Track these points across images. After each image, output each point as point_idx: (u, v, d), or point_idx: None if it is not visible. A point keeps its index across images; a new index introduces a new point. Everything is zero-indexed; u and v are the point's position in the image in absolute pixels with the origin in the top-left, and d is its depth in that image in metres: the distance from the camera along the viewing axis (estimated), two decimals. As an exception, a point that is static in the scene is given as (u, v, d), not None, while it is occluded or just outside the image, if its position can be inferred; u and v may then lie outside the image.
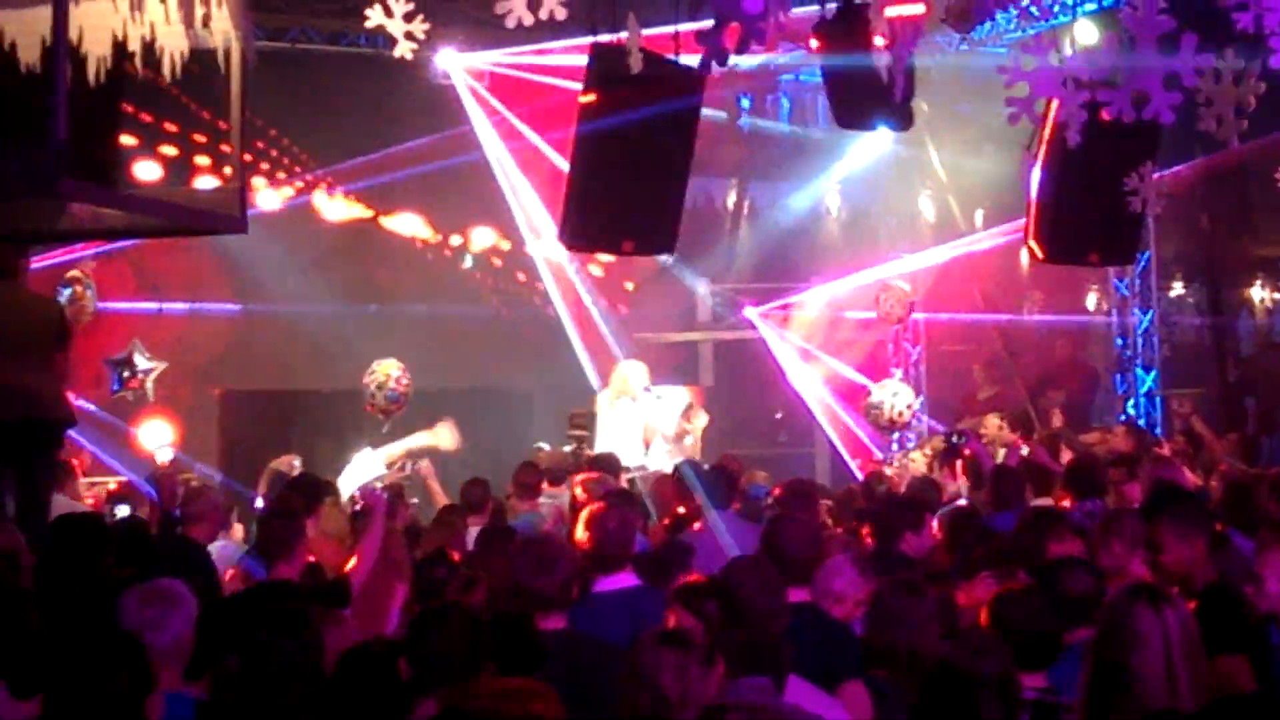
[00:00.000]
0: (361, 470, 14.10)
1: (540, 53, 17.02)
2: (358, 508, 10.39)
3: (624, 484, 12.51)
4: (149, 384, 15.84)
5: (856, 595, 7.05)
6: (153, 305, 17.11)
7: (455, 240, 19.16)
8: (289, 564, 8.06)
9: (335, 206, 18.55)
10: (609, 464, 12.62)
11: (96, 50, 7.64)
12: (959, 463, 12.81)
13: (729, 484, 10.35)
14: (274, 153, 17.85)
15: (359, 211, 18.64)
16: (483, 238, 19.14)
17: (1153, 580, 6.89)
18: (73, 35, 7.25)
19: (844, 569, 7.26)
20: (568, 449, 15.04)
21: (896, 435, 18.44)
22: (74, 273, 15.66)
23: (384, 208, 18.73)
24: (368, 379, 15.74)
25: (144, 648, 5.12)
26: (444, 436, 14.80)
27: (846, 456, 18.96)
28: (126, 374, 15.71)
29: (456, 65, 17.46)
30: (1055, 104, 8.45)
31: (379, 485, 11.85)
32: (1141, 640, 4.81)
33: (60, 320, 10.32)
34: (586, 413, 15.59)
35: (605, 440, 15.33)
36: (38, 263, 13.37)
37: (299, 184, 18.19)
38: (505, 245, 19.05)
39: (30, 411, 9.75)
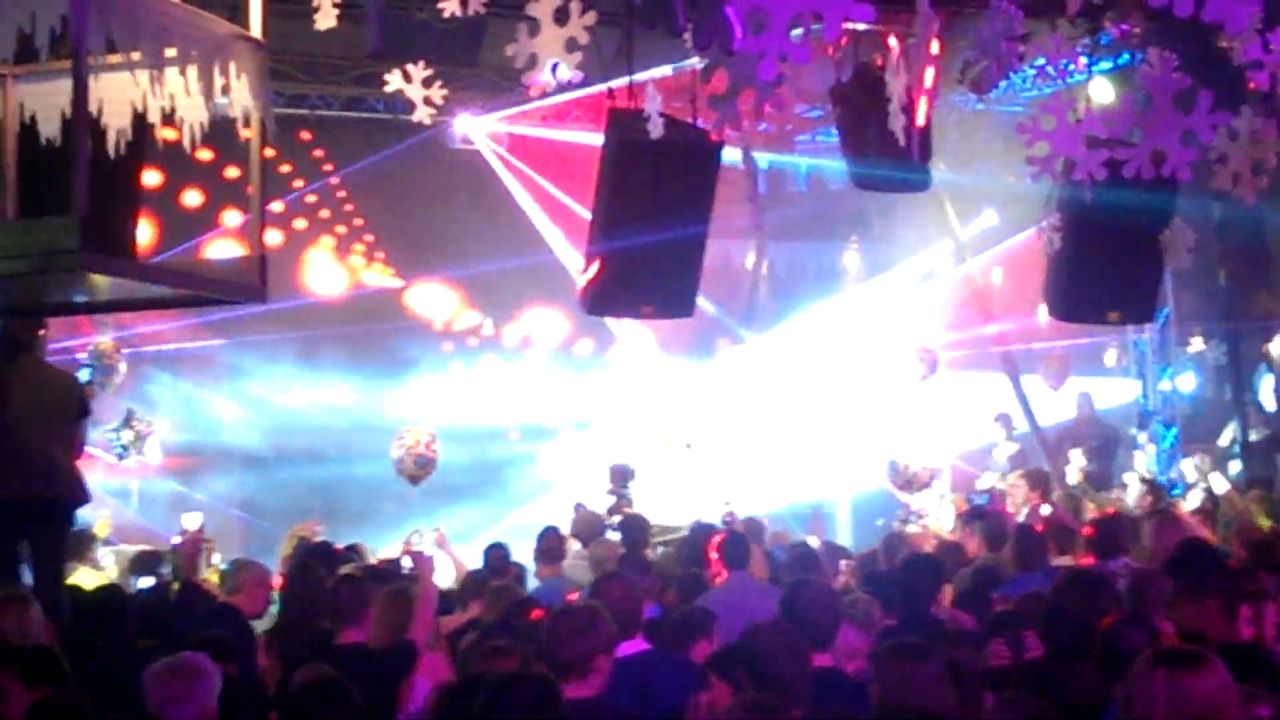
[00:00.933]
0: None
1: (557, 116, 17.22)
2: (406, 570, 10.39)
3: (651, 548, 12.48)
4: (150, 447, 15.87)
5: (863, 649, 7.06)
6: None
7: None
8: (358, 628, 8.12)
9: (366, 275, 18.72)
10: (635, 527, 12.56)
11: (116, 122, 7.65)
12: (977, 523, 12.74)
13: (745, 545, 10.31)
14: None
15: (389, 281, 18.80)
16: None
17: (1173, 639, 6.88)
18: (92, 108, 7.26)
19: (845, 626, 7.29)
20: (607, 506, 15.05)
21: (916, 493, 18.37)
22: (104, 343, 15.81)
23: (412, 277, 18.91)
24: (397, 445, 15.78)
25: None
26: None
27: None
28: (129, 439, 15.74)
29: (476, 130, 17.60)
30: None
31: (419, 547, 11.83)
32: (1139, 705, 4.77)
33: (79, 394, 10.33)
34: (625, 468, 15.58)
35: (652, 495, 15.44)
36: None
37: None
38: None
39: (47, 488, 9.73)
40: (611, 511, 14.74)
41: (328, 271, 18.55)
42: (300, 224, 18.52)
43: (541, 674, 5.97)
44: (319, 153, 18.41)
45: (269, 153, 15.83)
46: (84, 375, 11.23)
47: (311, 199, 18.57)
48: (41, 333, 10.21)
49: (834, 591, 7.88)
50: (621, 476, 15.44)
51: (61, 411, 10.02)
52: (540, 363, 19.46)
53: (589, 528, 13.34)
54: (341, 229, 18.76)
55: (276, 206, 17.85)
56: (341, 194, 18.78)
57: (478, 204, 18.41)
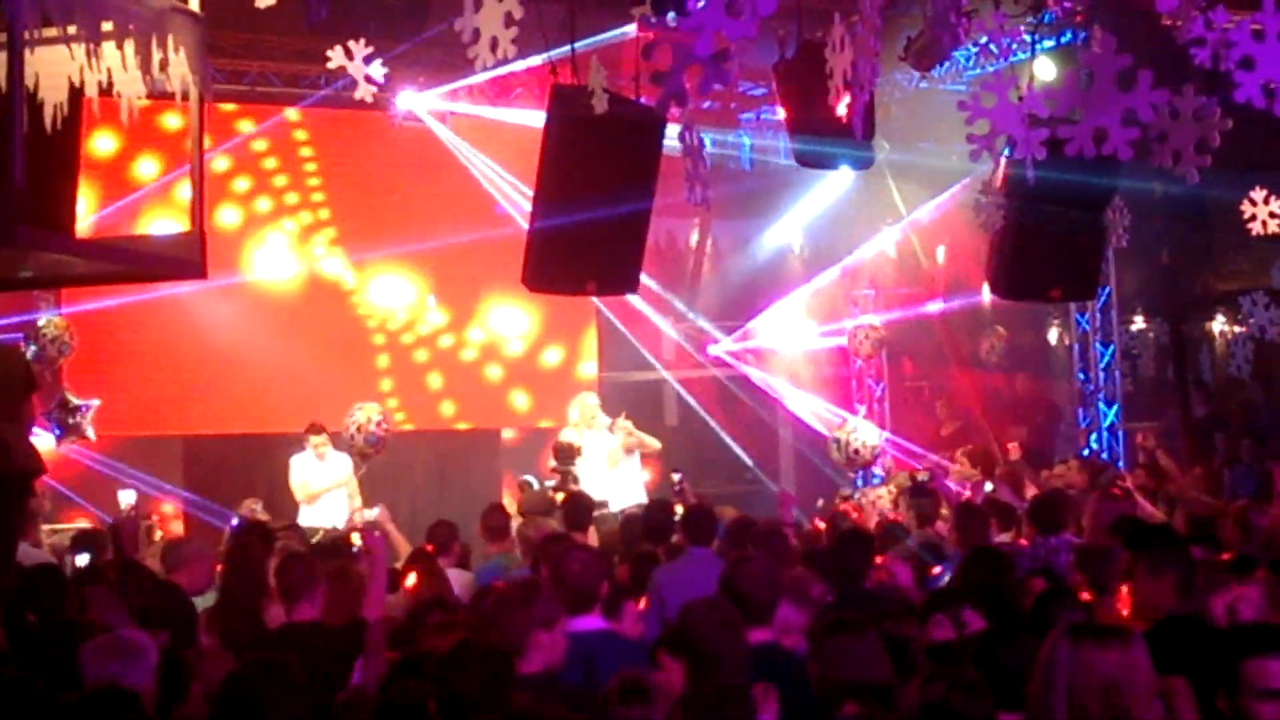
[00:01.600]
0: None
1: (500, 92, 17.18)
2: (355, 549, 10.31)
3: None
4: (87, 424, 15.76)
5: (800, 623, 7.08)
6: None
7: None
8: (311, 604, 8.05)
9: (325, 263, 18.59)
10: (577, 507, 12.52)
11: (53, 96, 7.58)
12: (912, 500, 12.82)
13: (708, 522, 10.33)
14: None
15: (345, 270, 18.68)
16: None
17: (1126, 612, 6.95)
18: (28, 81, 7.19)
19: (783, 602, 7.31)
20: (550, 485, 14.98)
21: (859, 472, 18.45)
22: (55, 320, 15.72)
23: (364, 258, 18.78)
24: (347, 421, 15.71)
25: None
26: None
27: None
28: (70, 421, 15.64)
29: (420, 106, 17.53)
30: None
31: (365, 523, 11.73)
32: (1051, 678, 4.79)
33: (26, 369, 10.24)
34: (569, 446, 15.52)
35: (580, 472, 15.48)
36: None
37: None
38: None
39: (2, 465, 9.67)
40: (557, 489, 14.70)
41: (281, 254, 18.39)
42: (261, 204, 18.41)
43: (493, 644, 5.96)
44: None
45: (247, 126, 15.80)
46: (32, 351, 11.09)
47: (282, 182, 18.40)
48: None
49: (774, 567, 7.87)
50: (566, 454, 15.37)
51: (9, 387, 9.94)
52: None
53: (535, 505, 13.33)
54: (307, 217, 18.56)
55: (243, 184, 17.82)
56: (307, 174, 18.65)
57: (426, 181, 18.33)
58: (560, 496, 13.79)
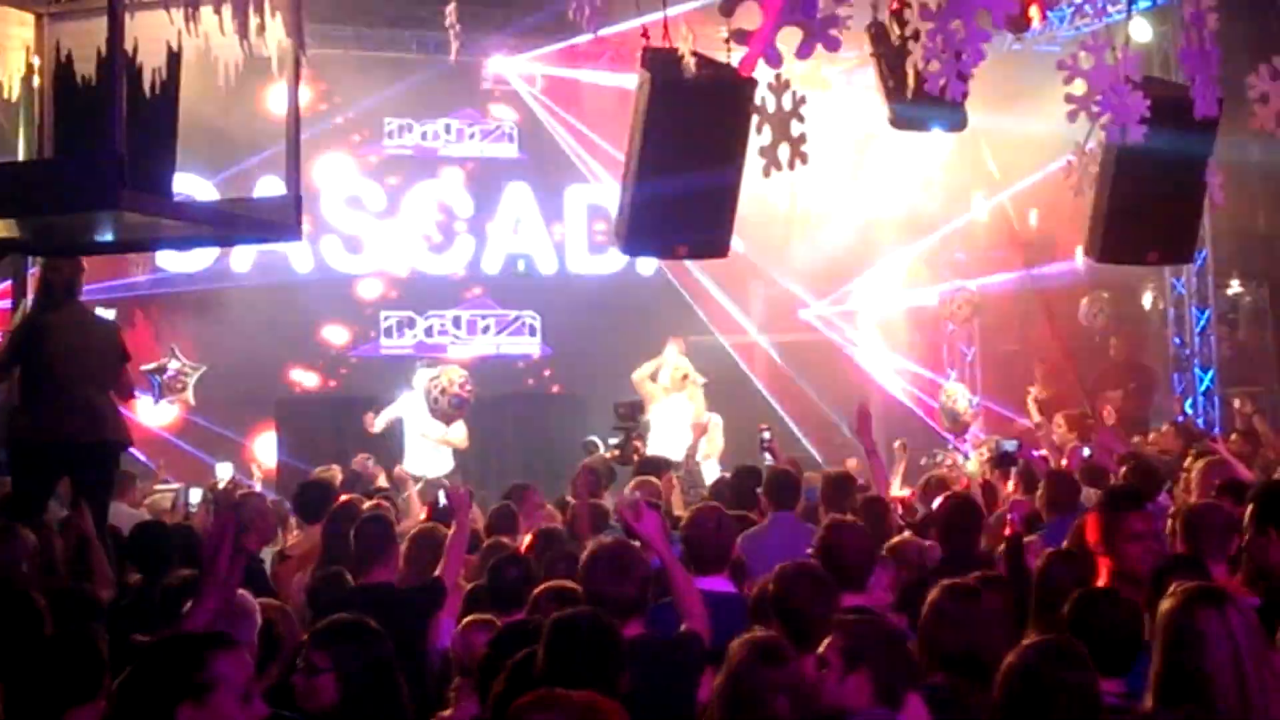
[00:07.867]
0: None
1: (590, 57, 17.21)
2: (441, 505, 10.37)
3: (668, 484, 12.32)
4: (190, 389, 15.89)
5: (880, 583, 7.06)
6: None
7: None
8: (385, 567, 8.12)
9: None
10: (653, 466, 12.49)
11: (152, 61, 7.65)
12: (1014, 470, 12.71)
13: (793, 486, 10.32)
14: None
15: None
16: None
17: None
18: (128, 46, 7.26)
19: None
20: (614, 443, 14.88)
21: (959, 435, 18.36)
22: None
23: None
24: (431, 384, 15.76)
25: None
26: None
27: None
28: (165, 380, 15.76)
29: (510, 70, 17.62)
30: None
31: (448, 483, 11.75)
32: (1208, 643, 4.76)
33: (119, 339, 10.43)
34: (633, 403, 15.40)
35: (660, 428, 15.45)
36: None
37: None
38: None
39: (88, 432, 9.88)
40: (621, 449, 14.59)
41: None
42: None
43: (602, 614, 5.91)
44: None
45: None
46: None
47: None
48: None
49: (870, 533, 7.81)
50: (631, 412, 15.24)
51: (103, 355, 10.15)
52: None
53: (603, 468, 13.34)
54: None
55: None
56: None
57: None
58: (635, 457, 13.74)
